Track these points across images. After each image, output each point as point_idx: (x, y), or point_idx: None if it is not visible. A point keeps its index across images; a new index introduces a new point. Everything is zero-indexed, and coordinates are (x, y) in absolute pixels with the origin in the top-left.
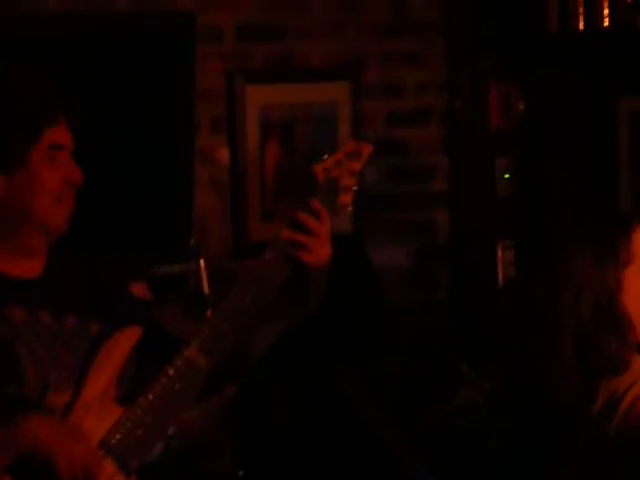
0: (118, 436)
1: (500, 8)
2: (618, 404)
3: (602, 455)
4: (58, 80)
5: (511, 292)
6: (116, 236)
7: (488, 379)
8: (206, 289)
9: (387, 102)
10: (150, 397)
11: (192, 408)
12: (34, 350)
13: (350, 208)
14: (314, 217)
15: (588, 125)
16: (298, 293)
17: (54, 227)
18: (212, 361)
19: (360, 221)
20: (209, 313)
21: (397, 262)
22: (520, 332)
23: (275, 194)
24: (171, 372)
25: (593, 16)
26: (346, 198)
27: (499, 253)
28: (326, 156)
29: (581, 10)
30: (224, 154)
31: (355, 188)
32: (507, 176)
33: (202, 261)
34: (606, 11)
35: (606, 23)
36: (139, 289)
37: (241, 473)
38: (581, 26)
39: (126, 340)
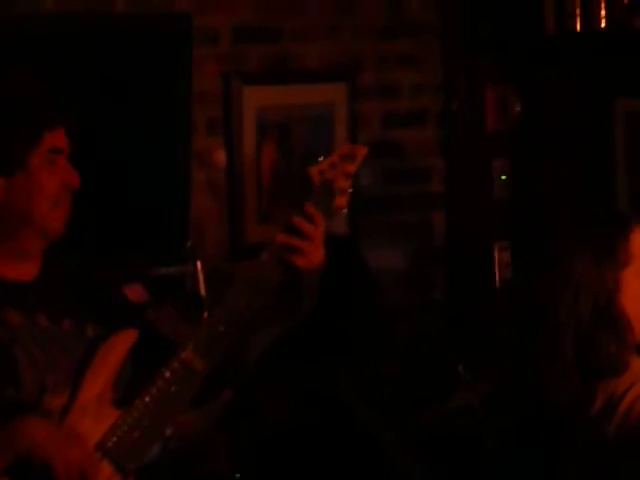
0: (115, 439)
1: (496, 9)
2: (617, 405)
3: (601, 456)
4: (55, 81)
5: (510, 293)
6: (113, 238)
7: (485, 380)
8: (203, 291)
9: (383, 104)
10: (146, 399)
11: (189, 411)
12: (31, 353)
13: (345, 210)
14: (308, 221)
15: (585, 126)
16: (292, 296)
17: (52, 230)
18: (208, 363)
19: (356, 223)
20: (205, 315)
21: (394, 264)
22: (520, 333)
23: (272, 196)
24: (167, 374)
25: (590, 17)
26: (341, 200)
27: (496, 254)
28: (321, 158)
29: (578, 11)
30: (221, 156)
31: (350, 190)
32: (504, 178)
33: (199, 263)
34: (603, 12)
35: (603, 24)
36: (135, 291)
37: (238, 475)
38: (578, 27)
39: (122, 343)
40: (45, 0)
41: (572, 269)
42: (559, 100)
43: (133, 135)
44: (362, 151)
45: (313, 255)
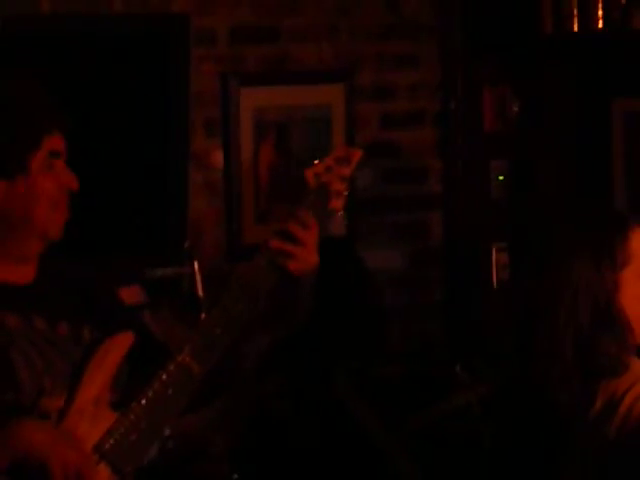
0: (112, 441)
1: (494, 10)
2: (617, 406)
3: (601, 457)
4: (52, 82)
5: (508, 294)
6: (110, 239)
7: (482, 381)
8: (200, 291)
9: (381, 104)
10: (143, 402)
11: (185, 415)
12: (28, 356)
13: (341, 213)
14: (302, 226)
15: (582, 126)
16: (286, 302)
17: (51, 233)
18: (205, 366)
19: (354, 223)
20: (203, 316)
21: (391, 264)
22: (519, 333)
23: (269, 196)
24: (164, 377)
25: (587, 18)
26: (337, 203)
27: (493, 255)
28: (317, 161)
29: (575, 12)
30: (218, 156)
31: (346, 193)
32: (501, 178)
33: (196, 263)
34: (600, 12)
35: (600, 25)
36: (133, 292)
37: (236, 476)
38: (575, 28)
39: (119, 346)
40: (42, 1)
41: (571, 270)
42: (557, 100)
43: (130, 136)
44: (357, 154)
45: (307, 260)
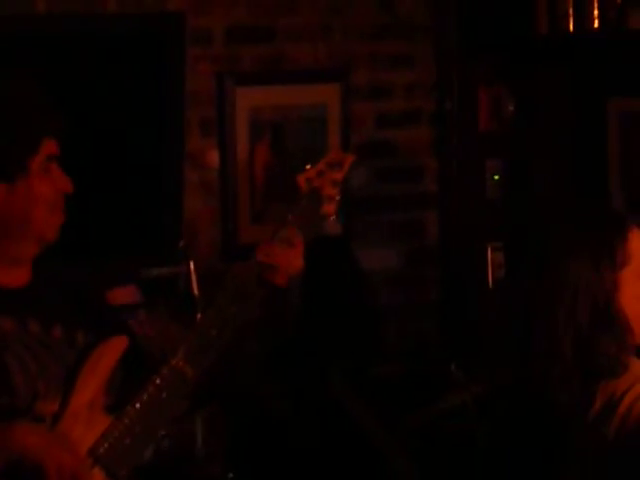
0: (106, 445)
1: (489, 9)
2: (616, 407)
3: (600, 457)
4: (48, 82)
5: (505, 293)
6: (106, 239)
7: (478, 380)
8: (196, 291)
9: (376, 104)
10: (137, 406)
11: (180, 419)
12: (23, 360)
13: (333, 217)
14: (287, 244)
15: (578, 126)
16: (275, 309)
17: (48, 236)
18: (198, 370)
19: (349, 223)
20: (199, 316)
21: (387, 263)
22: (518, 333)
23: (265, 196)
24: (158, 381)
25: (583, 17)
26: (329, 208)
27: (489, 254)
28: (309, 166)
29: (571, 12)
30: (214, 156)
31: (338, 198)
32: (497, 177)
33: (192, 263)
34: (596, 12)
35: (596, 24)
36: (129, 292)
37: (231, 475)
38: (571, 28)
39: (113, 350)
40: (38, 1)
41: (570, 270)
42: (553, 100)
43: (126, 135)
44: (349, 158)
45: (292, 272)
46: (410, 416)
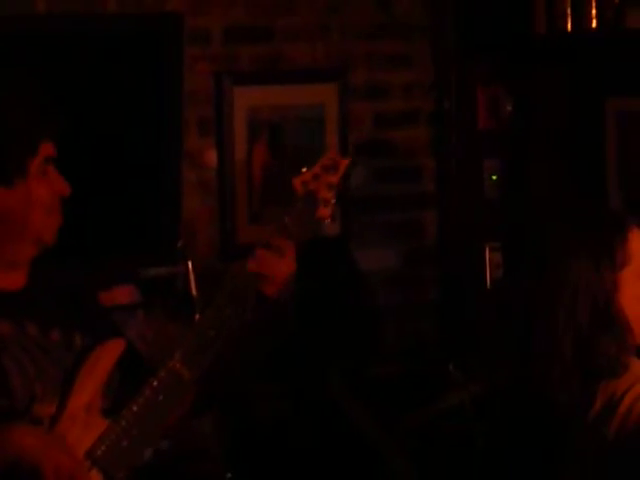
0: (104, 447)
1: (487, 9)
2: (616, 407)
3: (600, 458)
4: (46, 82)
5: (503, 293)
6: (104, 239)
7: (476, 380)
8: (194, 291)
9: (374, 104)
10: (135, 408)
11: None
12: (20, 362)
13: (329, 220)
14: (278, 254)
15: (576, 126)
16: (267, 316)
17: (46, 239)
18: (195, 372)
19: (347, 223)
20: (197, 317)
21: (385, 263)
22: (518, 333)
23: (263, 196)
24: (155, 383)
25: (581, 17)
26: (325, 211)
27: (487, 254)
28: (304, 169)
29: (569, 11)
30: (212, 156)
31: (334, 201)
32: (495, 177)
33: (190, 263)
34: (594, 12)
35: (594, 24)
36: (126, 292)
37: (229, 475)
38: (569, 27)
39: (110, 352)
40: (37, 1)
41: (570, 270)
42: (550, 100)
43: (124, 135)
44: (345, 162)
45: (283, 281)
46: (408, 416)
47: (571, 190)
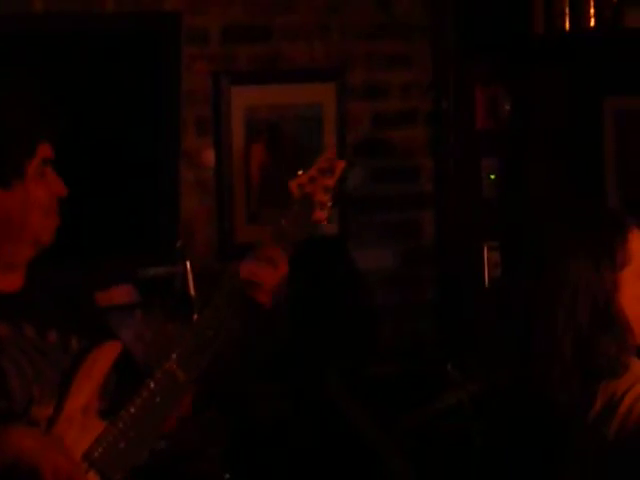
0: (101, 449)
1: (486, 9)
2: (616, 407)
3: (600, 458)
4: (43, 82)
5: (501, 293)
6: (102, 239)
7: (474, 379)
8: (192, 291)
9: (373, 103)
10: (131, 410)
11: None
12: (19, 364)
13: (325, 222)
14: (272, 265)
15: (574, 125)
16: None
17: (44, 240)
18: (192, 374)
19: (345, 222)
20: (195, 317)
21: (383, 263)
22: (518, 333)
23: (261, 195)
24: (152, 385)
25: (579, 16)
26: (321, 214)
27: (485, 254)
28: (300, 172)
29: (567, 10)
30: (210, 155)
31: (330, 204)
32: (493, 177)
33: (188, 263)
34: (592, 11)
35: (592, 23)
36: (124, 292)
37: (228, 476)
38: (567, 26)
39: (106, 355)
40: (35, 0)
41: (570, 270)
42: (549, 99)
43: (122, 134)
44: (341, 164)
45: (275, 288)
46: (406, 416)
47: (569, 189)
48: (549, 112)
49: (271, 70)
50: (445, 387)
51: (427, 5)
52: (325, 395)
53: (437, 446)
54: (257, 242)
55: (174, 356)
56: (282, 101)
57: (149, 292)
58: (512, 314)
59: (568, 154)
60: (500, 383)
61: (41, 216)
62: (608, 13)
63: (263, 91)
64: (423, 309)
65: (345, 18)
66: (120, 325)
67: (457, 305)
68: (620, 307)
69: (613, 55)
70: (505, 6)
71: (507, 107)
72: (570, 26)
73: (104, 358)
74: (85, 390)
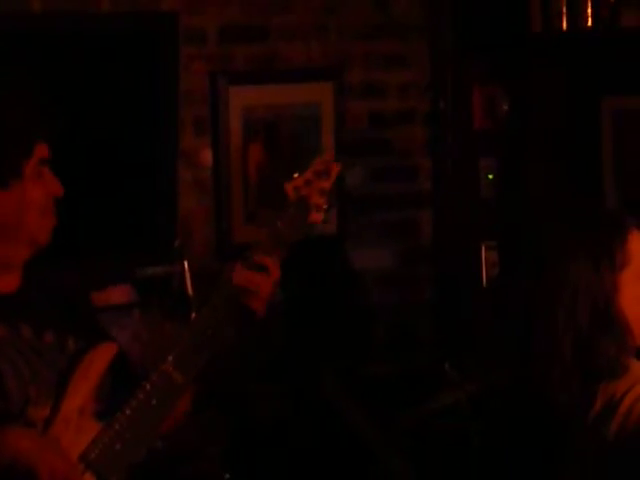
0: (97, 451)
1: (484, 9)
2: (616, 408)
3: (600, 458)
4: (41, 81)
5: (499, 292)
6: (100, 238)
7: (471, 379)
8: (190, 290)
9: (370, 103)
10: (128, 412)
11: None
12: (16, 365)
13: (320, 224)
14: (266, 273)
15: (572, 125)
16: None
17: (41, 240)
18: (188, 376)
19: (343, 222)
20: (193, 316)
21: (381, 262)
22: (518, 334)
23: (258, 195)
24: (148, 387)
25: (576, 16)
26: (317, 216)
27: (483, 253)
28: (296, 174)
29: (564, 10)
30: (207, 155)
31: (325, 207)
32: (491, 176)
33: (186, 262)
34: (589, 11)
35: (589, 23)
36: (122, 291)
37: (227, 476)
38: (564, 26)
39: (103, 356)
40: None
41: (570, 271)
42: (546, 99)
43: (120, 134)
44: (337, 167)
45: (269, 293)
46: (404, 415)
47: (567, 189)
48: (547, 112)
49: (268, 70)
50: (443, 387)
51: (424, 5)
52: (323, 395)
53: (434, 446)
54: (252, 244)
55: (170, 358)
56: (280, 101)
57: (147, 292)
58: (511, 314)
59: (566, 154)
60: (498, 383)
61: (37, 216)
62: (605, 13)
63: (261, 91)
64: (421, 308)
65: (342, 18)
66: (118, 325)
67: (455, 304)
68: (620, 308)
69: (611, 55)
70: (503, 6)
71: (505, 107)
72: (567, 26)
73: (100, 359)
74: (81, 391)
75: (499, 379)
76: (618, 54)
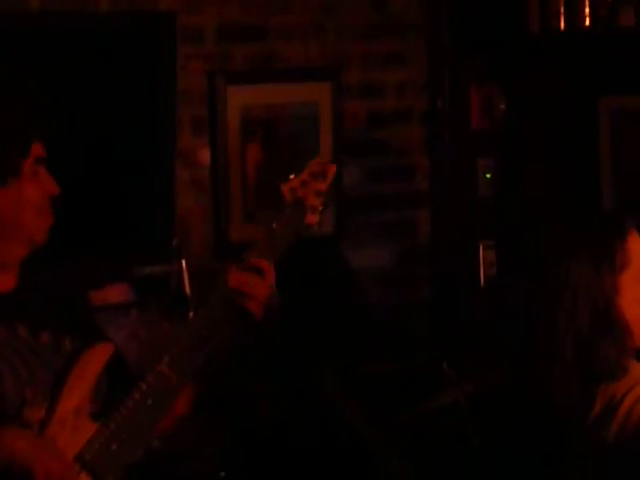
0: (93, 451)
1: (481, 8)
2: (616, 409)
3: (600, 460)
4: (38, 81)
5: (496, 292)
6: (98, 237)
7: (469, 378)
8: (188, 289)
9: (368, 102)
10: (124, 412)
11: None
12: (13, 365)
13: (316, 226)
14: (260, 275)
15: (570, 124)
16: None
17: (37, 239)
18: (184, 377)
19: (341, 222)
20: (191, 315)
21: (379, 262)
22: (519, 334)
23: (256, 195)
24: (144, 387)
25: (574, 16)
26: (312, 218)
27: (481, 253)
28: (292, 176)
29: (562, 10)
30: (205, 154)
31: (321, 208)
32: (488, 176)
33: (184, 261)
34: (587, 10)
35: (587, 23)
36: (120, 290)
37: (223, 474)
38: (562, 26)
39: (99, 356)
40: None
41: (571, 272)
42: (544, 98)
43: (117, 133)
44: (332, 168)
45: (266, 296)
46: (402, 415)
47: (565, 189)
48: (545, 111)
49: (267, 69)
50: (441, 386)
51: (422, 4)
52: (321, 394)
53: (432, 445)
54: (249, 243)
55: (167, 359)
56: (278, 100)
57: (145, 291)
58: (511, 314)
59: (563, 153)
60: (496, 383)
61: (34, 215)
62: (603, 12)
63: (259, 90)
64: (419, 308)
65: (340, 17)
66: (115, 324)
67: (453, 304)
68: (620, 310)
69: (608, 54)
70: (500, 5)
71: (502, 106)
72: (565, 25)
73: (97, 359)
74: (77, 392)
75: (497, 379)
76: (616, 54)
